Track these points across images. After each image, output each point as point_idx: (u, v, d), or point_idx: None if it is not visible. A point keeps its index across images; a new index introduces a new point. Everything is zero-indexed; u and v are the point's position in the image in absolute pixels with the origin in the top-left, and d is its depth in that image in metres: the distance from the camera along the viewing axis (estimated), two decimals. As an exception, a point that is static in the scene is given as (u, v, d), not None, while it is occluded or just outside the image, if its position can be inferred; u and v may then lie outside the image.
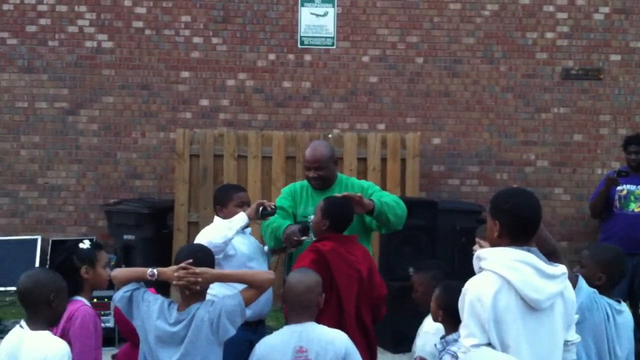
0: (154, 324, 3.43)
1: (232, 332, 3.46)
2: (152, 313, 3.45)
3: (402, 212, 4.38)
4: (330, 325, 3.56)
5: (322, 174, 4.40)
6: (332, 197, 4.20)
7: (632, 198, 6.00)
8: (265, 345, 3.45)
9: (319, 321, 3.64)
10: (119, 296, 3.52)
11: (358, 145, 7.63)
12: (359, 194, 4.20)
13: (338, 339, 3.40)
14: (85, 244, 3.61)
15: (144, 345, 3.49)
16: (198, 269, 3.44)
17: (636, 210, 5.98)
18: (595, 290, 3.45)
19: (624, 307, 3.52)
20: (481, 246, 3.51)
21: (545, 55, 8.46)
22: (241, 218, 4.10)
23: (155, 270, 3.49)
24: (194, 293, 3.48)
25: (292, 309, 3.48)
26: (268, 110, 8.36)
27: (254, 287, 3.49)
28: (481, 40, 8.44)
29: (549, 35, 8.47)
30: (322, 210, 4.09)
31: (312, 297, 3.47)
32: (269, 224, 4.36)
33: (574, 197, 8.42)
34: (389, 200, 4.34)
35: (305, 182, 4.55)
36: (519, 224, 2.84)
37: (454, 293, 3.06)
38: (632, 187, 6.01)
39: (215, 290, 3.80)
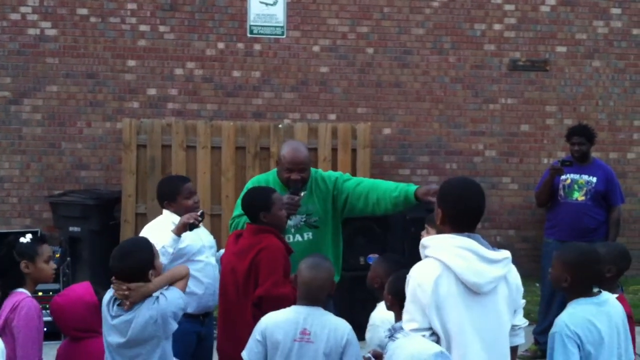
0: (105, 313, 3.50)
1: (176, 326, 3.49)
2: (104, 303, 3.50)
3: None
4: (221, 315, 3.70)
5: (304, 176, 4.28)
6: (254, 187, 4.14)
7: (576, 187, 6.10)
8: (271, 321, 3.43)
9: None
10: None
11: (309, 136, 7.60)
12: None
13: (341, 327, 3.41)
14: (25, 238, 3.53)
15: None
16: (131, 287, 3.39)
17: (580, 199, 6.08)
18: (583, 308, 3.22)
19: (604, 296, 3.33)
20: (428, 233, 3.56)
21: (493, 46, 8.57)
22: (171, 241, 4.04)
23: None
24: None
25: (300, 290, 3.47)
26: (217, 100, 8.27)
27: (180, 280, 3.59)
28: (431, 31, 8.49)
29: (497, 26, 8.57)
30: None
31: (320, 282, 3.45)
32: (237, 223, 4.20)
33: (521, 186, 8.57)
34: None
35: (268, 177, 4.38)
36: (461, 213, 2.89)
37: (403, 281, 3.08)
38: (576, 177, 6.10)
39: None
